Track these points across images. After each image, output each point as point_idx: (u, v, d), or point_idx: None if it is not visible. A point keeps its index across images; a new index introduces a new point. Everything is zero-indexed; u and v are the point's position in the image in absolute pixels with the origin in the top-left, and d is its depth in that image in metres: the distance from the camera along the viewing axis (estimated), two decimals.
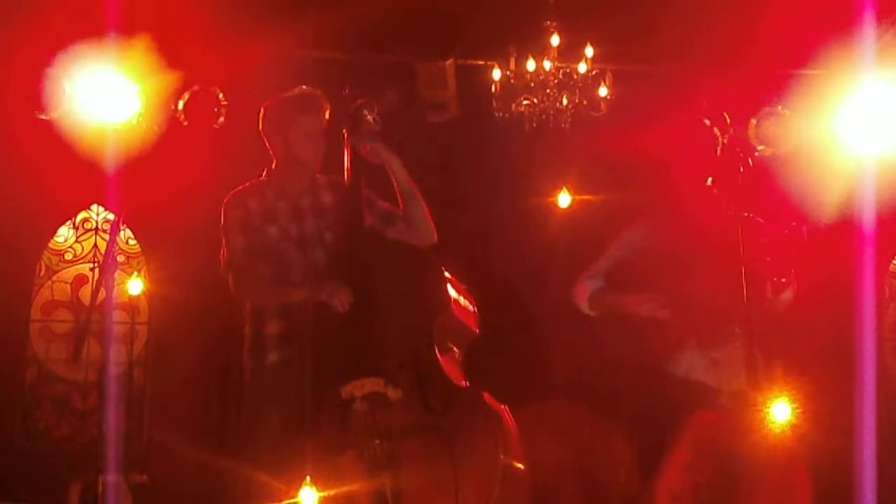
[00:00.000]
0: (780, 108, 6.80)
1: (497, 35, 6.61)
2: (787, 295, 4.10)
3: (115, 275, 7.37)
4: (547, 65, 6.55)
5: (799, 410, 4.04)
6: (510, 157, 7.36)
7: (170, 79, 6.46)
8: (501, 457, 3.61)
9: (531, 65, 6.54)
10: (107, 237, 7.72)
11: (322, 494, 3.53)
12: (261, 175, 4.28)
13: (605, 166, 7.08)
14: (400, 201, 4.15)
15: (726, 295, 3.92)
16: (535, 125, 6.71)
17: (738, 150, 4.12)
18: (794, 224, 3.97)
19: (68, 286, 7.91)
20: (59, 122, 6.49)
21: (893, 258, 8.06)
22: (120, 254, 7.75)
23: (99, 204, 7.88)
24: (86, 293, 7.81)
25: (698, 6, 5.99)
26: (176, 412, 7.32)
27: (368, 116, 4.05)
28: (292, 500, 3.54)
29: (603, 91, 6.60)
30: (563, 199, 7.63)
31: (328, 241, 4.13)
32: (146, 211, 6.83)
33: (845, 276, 5.73)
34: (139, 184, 5.83)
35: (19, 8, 5.96)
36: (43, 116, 6.51)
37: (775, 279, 3.97)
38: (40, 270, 7.88)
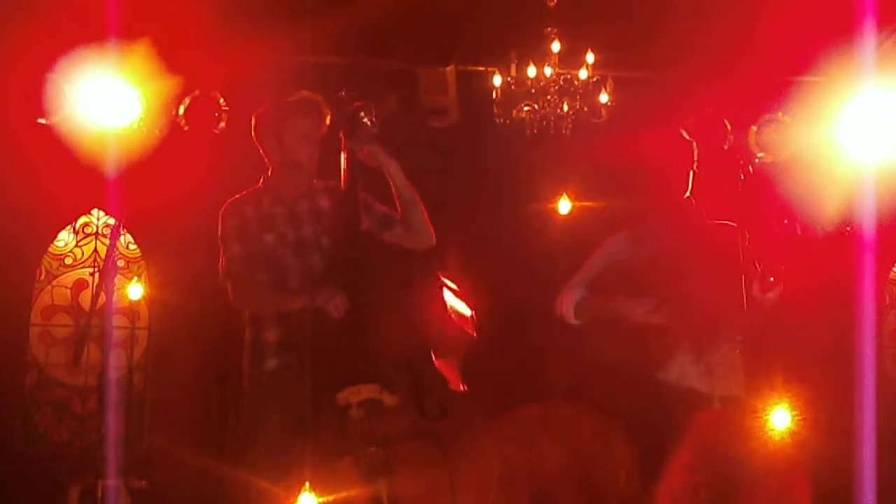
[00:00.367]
0: (780, 114, 6.81)
1: (498, 41, 6.62)
2: (774, 293, 4.09)
3: (116, 279, 7.43)
4: (548, 71, 6.56)
5: (799, 416, 4.04)
6: (511, 163, 7.36)
7: (170, 84, 6.47)
8: (497, 462, 3.62)
9: (532, 71, 6.55)
10: (107, 242, 7.73)
11: (321, 500, 3.53)
12: (258, 182, 4.28)
13: (606, 173, 7.09)
14: (398, 205, 4.14)
15: (717, 300, 3.92)
16: (535, 131, 6.72)
17: (738, 156, 4.12)
18: (786, 222, 3.97)
19: (68, 291, 7.90)
20: (59, 126, 6.49)
21: (894, 265, 8.06)
22: (120, 258, 7.75)
23: (99, 208, 7.88)
24: (86, 298, 7.80)
25: (699, 13, 5.99)
26: (175, 417, 7.31)
27: (365, 119, 4.04)
28: None
29: (604, 97, 6.60)
30: (564, 206, 7.63)
31: (325, 245, 4.12)
32: (146, 215, 6.84)
33: (845, 283, 5.73)
34: (139, 188, 5.84)
35: (20, 13, 5.97)
36: (43, 121, 6.52)
37: (764, 277, 3.96)
38: (40, 275, 7.87)
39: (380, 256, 4.00)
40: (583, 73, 6.56)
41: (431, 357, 3.85)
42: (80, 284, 7.90)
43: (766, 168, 6.65)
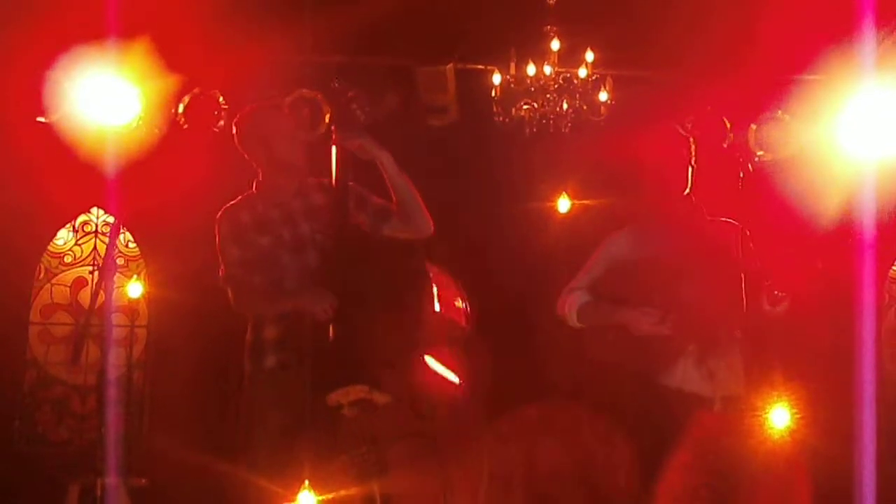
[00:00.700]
0: (779, 113, 6.80)
1: (497, 39, 6.61)
2: (782, 307, 4.08)
3: (115, 278, 7.43)
4: (547, 69, 6.55)
5: (799, 415, 4.04)
6: (510, 161, 7.36)
7: (170, 82, 6.46)
8: (488, 459, 3.61)
9: (531, 69, 6.54)
10: (106, 240, 7.74)
11: (320, 498, 3.53)
12: (256, 181, 4.28)
13: (605, 171, 7.07)
14: (393, 196, 4.13)
15: (721, 303, 3.91)
16: (535, 130, 6.71)
17: (737, 155, 4.12)
18: (803, 238, 3.96)
19: (68, 289, 7.90)
20: (59, 124, 6.48)
21: (893, 263, 8.06)
22: (119, 257, 7.76)
23: (99, 207, 7.88)
24: (85, 296, 7.80)
25: (698, 12, 5.99)
26: (175, 415, 7.31)
27: (357, 110, 4.02)
28: None
29: (603, 96, 6.60)
30: (563, 204, 7.63)
31: (321, 242, 4.12)
32: (146, 214, 6.85)
33: (845, 282, 5.73)
34: (139, 187, 5.83)
35: (19, 11, 5.96)
36: (43, 119, 6.51)
37: (773, 292, 3.96)
38: (40, 273, 7.87)
39: (370, 252, 3.98)
40: (582, 72, 6.56)
41: (421, 352, 3.83)
42: (80, 283, 7.90)
43: (766, 166, 6.65)
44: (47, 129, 6.50)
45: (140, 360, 7.74)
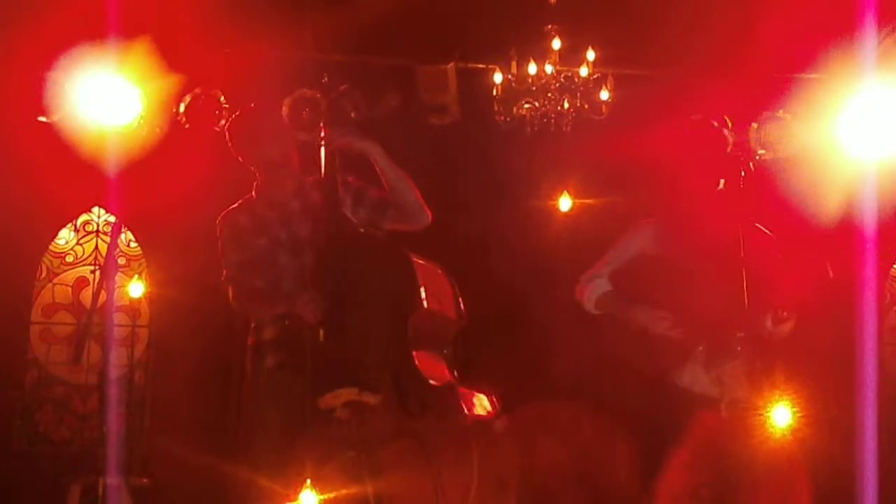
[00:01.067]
0: (781, 112, 6.81)
1: (498, 38, 6.61)
2: (786, 327, 4.08)
3: (116, 277, 7.43)
4: (548, 68, 6.55)
5: (800, 414, 4.03)
6: (511, 160, 7.36)
7: (171, 82, 6.47)
8: (480, 457, 3.61)
9: (532, 68, 6.54)
10: (108, 240, 7.74)
11: (322, 497, 3.53)
12: (256, 181, 4.28)
13: (607, 170, 7.08)
14: (386, 188, 4.12)
15: (736, 307, 3.90)
16: (536, 129, 6.72)
17: (739, 154, 4.11)
18: (804, 239, 3.95)
19: (69, 289, 7.91)
20: (60, 124, 6.49)
21: (894, 262, 8.06)
22: (121, 256, 7.76)
23: (100, 206, 7.89)
24: (87, 296, 7.81)
25: (699, 10, 5.99)
26: (176, 415, 7.32)
27: (347, 105, 4.01)
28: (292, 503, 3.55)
29: (604, 95, 6.60)
30: (564, 203, 7.63)
31: (317, 242, 4.12)
32: (147, 213, 6.85)
33: (846, 280, 5.72)
34: (140, 186, 5.84)
35: (20, 11, 5.96)
36: (44, 119, 6.52)
37: (778, 311, 3.96)
38: (41, 273, 7.87)
39: (357, 251, 3.97)
40: (583, 71, 6.56)
41: (410, 350, 3.83)
42: (81, 282, 7.90)
43: (767, 165, 6.65)
44: (49, 128, 6.51)
45: (141, 359, 7.74)
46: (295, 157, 4.21)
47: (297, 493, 3.53)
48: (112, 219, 7.74)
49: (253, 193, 4.26)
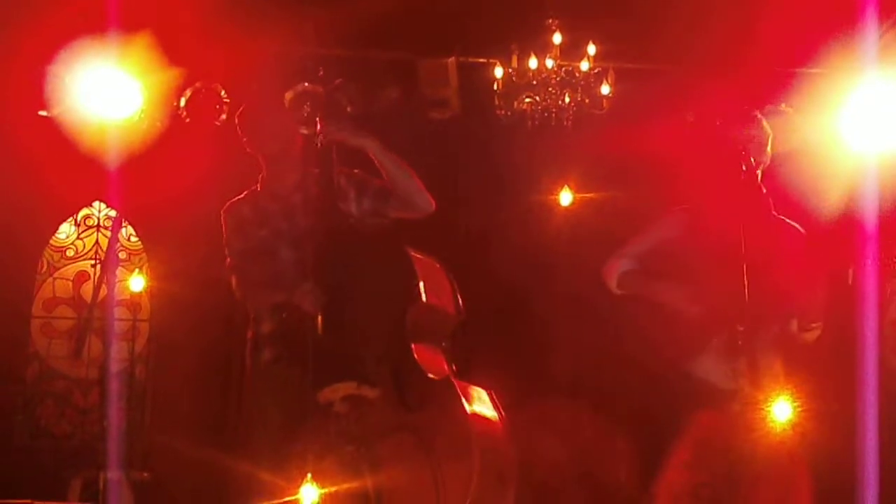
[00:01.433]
0: (782, 106, 6.80)
1: (499, 33, 6.61)
2: (811, 336, 4.07)
3: (117, 271, 7.43)
4: (549, 63, 6.55)
5: (800, 409, 4.03)
6: (512, 155, 7.35)
7: (172, 75, 6.46)
8: (478, 450, 3.60)
9: (533, 62, 6.54)
10: (108, 234, 7.74)
11: (323, 491, 3.53)
12: (258, 174, 4.29)
13: (607, 164, 7.08)
14: (386, 179, 4.14)
15: (760, 300, 3.88)
16: (536, 123, 6.72)
17: (739, 148, 4.10)
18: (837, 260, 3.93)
19: (70, 283, 7.91)
20: (60, 118, 6.49)
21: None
22: (121, 250, 7.76)
23: (101, 201, 7.88)
24: (87, 290, 7.81)
25: (701, 4, 5.98)
26: (177, 409, 7.32)
27: (343, 99, 4.02)
28: (293, 497, 3.55)
29: (605, 89, 6.60)
30: (565, 197, 7.62)
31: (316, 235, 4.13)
32: (148, 208, 6.84)
33: (847, 275, 5.72)
34: (141, 181, 5.83)
35: (21, 5, 5.96)
36: (44, 113, 6.51)
37: (806, 319, 3.95)
38: (42, 267, 7.88)
39: (355, 244, 3.98)
40: (584, 65, 6.56)
41: (408, 344, 3.83)
42: (82, 276, 7.90)
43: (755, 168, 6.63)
44: (49, 122, 6.51)
45: (142, 354, 7.74)
46: (300, 150, 4.22)
47: (297, 487, 3.53)
48: (113, 213, 7.74)
49: (258, 186, 4.27)
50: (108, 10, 5.60)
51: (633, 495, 5.86)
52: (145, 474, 6.71)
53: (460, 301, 4.13)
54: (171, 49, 6.19)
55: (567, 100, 6.60)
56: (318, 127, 4.02)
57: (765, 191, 4.25)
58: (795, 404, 4.00)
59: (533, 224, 7.56)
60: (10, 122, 6.60)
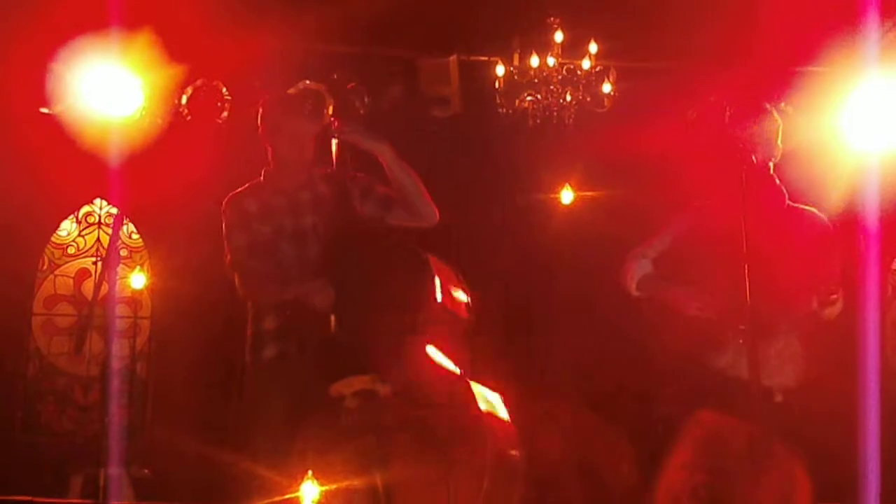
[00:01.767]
0: (784, 104, 6.79)
1: (501, 31, 6.61)
2: (833, 310, 4.05)
3: (118, 269, 7.44)
4: (551, 61, 6.55)
5: (801, 409, 4.03)
6: (513, 153, 7.36)
7: (173, 73, 6.46)
8: (491, 447, 3.61)
9: (535, 61, 6.55)
10: (110, 231, 7.74)
11: (323, 489, 3.53)
12: (260, 172, 4.28)
13: (609, 163, 7.08)
14: (394, 187, 4.13)
15: (779, 291, 3.87)
16: (538, 121, 6.72)
17: (741, 147, 4.09)
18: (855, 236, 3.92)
19: (71, 280, 7.92)
20: (62, 116, 6.49)
21: None
22: (123, 248, 7.76)
23: (102, 198, 7.89)
24: (88, 287, 7.82)
25: (702, 3, 5.98)
26: (178, 406, 7.33)
27: (357, 102, 4.02)
28: (293, 494, 3.55)
29: (606, 87, 6.60)
30: (566, 196, 7.63)
31: (322, 234, 4.13)
32: (149, 205, 6.85)
33: (848, 274, 5.71)
34: (142, 178, 5.82)
35: (22, 2, 5.96)
36: (46, 111, 6.51)
37: (825, 293, 3.93)
38: (43, 264, 7.89)
39: (372, 242, 3.99)
40: (586, 63, 6.56)
41: (422, 343, 3.83)
42: (83, 274, 7.91)
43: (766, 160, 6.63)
44: (51, 120, 6.51)
45: (143, 351, 7.75)
46: (311, 150, 4.21)
47: (298, 484, 3.54)
48: (114, 210, 7.75)
49: (261, 178, 4.26)
50: (110, 7, 5.60)
51: (633, 494, 5.86)
52: (146, 471, 6.72)
53: (470, 305, 4.14)
54: (173, 46, 6.20)
55: (568, 98, 6.61)
56: (334, 127, 4.02)
57: (778, 181, 4.25)
58: (797, 404, 4.00)
59: (534, 222, 7.56)
60: (11, 119, 6.61)
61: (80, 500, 6.34)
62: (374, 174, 4.19)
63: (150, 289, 7.63)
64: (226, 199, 4.20)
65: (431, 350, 3.87)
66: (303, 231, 4.14)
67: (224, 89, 6.70)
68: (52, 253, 7.90)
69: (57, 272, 7.90)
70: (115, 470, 5.70)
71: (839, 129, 6.62)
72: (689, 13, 6.06)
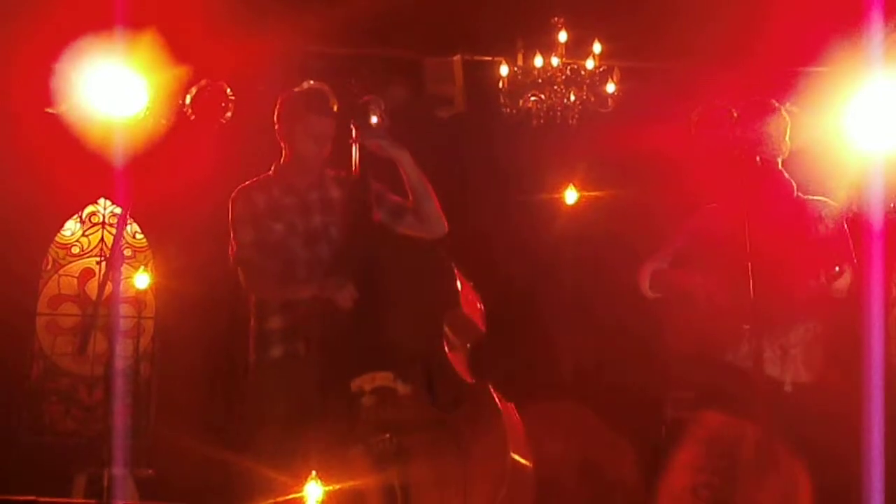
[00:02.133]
0: (788, 105, 6.79)
1: (505, 31, 6.61)
2: (842, 283, 4.04)
3: (122, 269, 7.45)
4: (555, 61, 6.56)
5: (804, 410, 4.03)
6: (517, 153, 7.36)
7: (177, 73, 6.46)
8: (510, 454, 3.61)
9: (539, 61, 6.55)
10: (114, 231, 7.76)
11: (327, 489, 3.53)
12: (268, 170, 4.28)
13: (612, 163, 7.08)
14: (410, 195, 4.15)
15: (792, 284, 3.87)
16: (542, 121, 6.72)
17: (745, 147, 4.09)
18: (854, 209, 3.92)
19: (75, 280, 7.92)
20: (66, 116, 6.49)
21: None
22: (127, 248, 7.77)
23: (106, 198, 7.90)
24: (92, 287, 7.83)
25: (706, 3, 5.97)
26: (182, 406, 7.33)
27: (375, 112, 4.04)
28: (297, 495, 3.54)
29: (610, 87, 6.60)
30: (570, 196, 7.62)
31: (334, 235, 4.13)
32: (153, 205, 6.85)
33: (853, 275, 5.70)
34: (146, 178, 5.82)
35: (26, 2, 5.96)
36: (50, 110, 6.52)
37: (829, 267, 3.92)
38: (47, 264, 7.89)
39: (393, 246, 4.00)
40: (589, 63, 6.56)
41: (444, 347, 3.85)
42: (87, 274, 7.92)
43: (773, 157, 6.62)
44: (55, 119, 6.51)
45: (147, 351, 7.76)
46: (325, 155, 4.21)
47: (302, 484, 3.53)
48: (118, 210, 7.75)
49: (271, 172, 4.26)
50: (115, 7, 5.60)
51: (635, 494, 5.86)
52: (150, 471, 6.73)
53: (484, 315, 4.15)
54: (177, 46, 6.19)
55: (572, 98, 6.61)
56: (354, 133, 4.03)
57: (786, 175, 4.25)
58: (799, 405, 4.00)
59: (538, 222, 7.56)
60: (16, 118, 6.61)
61: (84, 500, 6.35)
62: (387, 182, 4.21)
63: (154, 289, 7.63)
64: (234, 192, 4.20)
65: (452, 355, 3.88)
66: (314, 230, 4.14)
67: (228, 90, 6.69)
68: (56, 253, 7.91)
69: (61, 272, 7.91)
70: (118, 470, 5.72)
71: (843, 130, 6.61)
72: (693, 13, 6.06)
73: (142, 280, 7.37)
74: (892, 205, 6.21)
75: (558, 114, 6.65)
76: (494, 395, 3.78)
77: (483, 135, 7.36)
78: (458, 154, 7.42)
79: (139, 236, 7.90)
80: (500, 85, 6.68)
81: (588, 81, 6.59)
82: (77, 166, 6.68)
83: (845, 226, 4.23)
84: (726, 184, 4.19)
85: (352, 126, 4.05)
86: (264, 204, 4.16)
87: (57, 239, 7.90)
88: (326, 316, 3.84)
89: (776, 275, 3.87)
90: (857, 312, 4.24)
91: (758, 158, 4.00)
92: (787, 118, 4.26)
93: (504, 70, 6.64)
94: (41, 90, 6.43)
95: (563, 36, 6.51)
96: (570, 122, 6.67)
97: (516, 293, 7.19)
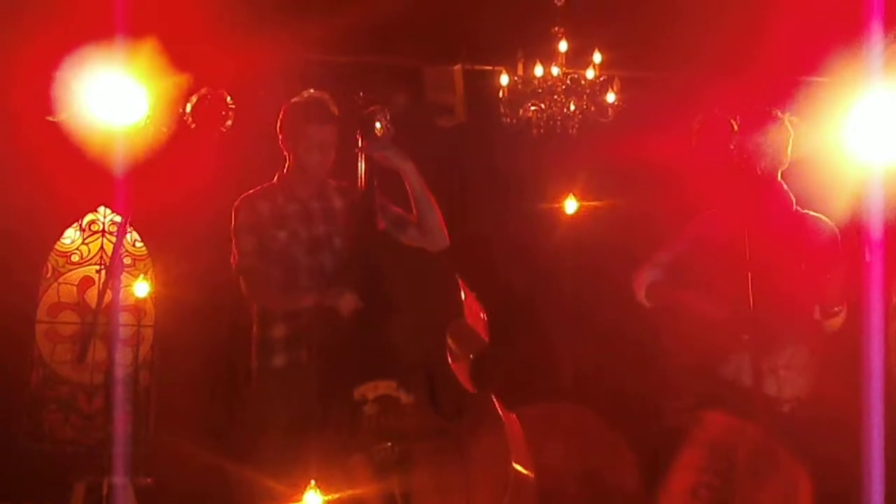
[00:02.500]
0: (788, 114, 6.79)
1: (505, 40, 6.62)
2: (836, 322, 4.05)
3: (122, 277, 7.44)
4: (555, 70, 6.56)
5: (808, 421, 4.02)
6: (517, 162, 7.36)
7: (178, 82, 6.47)
8: (512, 464, 3.61)
9: (539, 70, 6.55)
10: (114, 239, 7.75)
11: (327, 498, 3.52)
12: (272, 179, 4.29)
13: (613, 172, 7.08)
14: (413, 207, 4.15)
15: (780, 299, 3.87)
16: (542, 131, 6.72)
17: (745, 157, 4.10)
18: (860, 249, 3.92)
19: (75, 288, 7.92)
20: (66, 124, 6.49)
21: None
22: (126, 256, 7.77)
23: (106, 206, 7.89)
24: (92, 295, 7.81)
25: (706, 13, 5.98)
26: (181, 414, 7.32)
27: (380, 123, 4.05)
28: (297, 503, 3.54)
29: (611, 97, 6.60)
30: (570, 205, 7.62)
31: (337, 245, 4.14)
32: (153, 213, 6.85)
33: (853, 285, 5.70)
34: (146, 186, 5.83)
35: (27, 11, 5.97)
36: (51, 119, 6.52)
37: (828, 305, 3.93)
38: (47, 272, 7.89)
39: (397, 256, 4.00)
40: (590, 73, 6.57)
41: (447, 357, 3.85)
42: (87, 282, 7.91)
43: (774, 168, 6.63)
44: (55, 128, 6.51)
45: (146, 359, 7.75)
46: (328, 165, 4.22)
47: (302, 493, 3.53)
48: (118, 218, 7.75)
49: (275, 181, 4.26)
50: (115, 16, 5.61)
51: (635, 497, 5.86)
52: (149, 480, 6.70)
53: (488, 327, 4.15)
54: (178, 55, 6.20)
55: (572, 107, 6.61)
56: (360, 143, 4.04)
57: (785, 187, 4.25)
58: (799, 411, 4.00)
59: (538, 232, 7.56)
60: (16, 127, 6.62)
61: None
62: (387, 194, 4.21)
63: (154, 297, 7.62)
64: (238, 201, 4.21)
65: (455, 365, 3.88)
66: (317, 239, 4.15)
67: (228, 98, 6.71)
68: (56, 261, 7.90)
69: (60, 280, 7.90)
70: (118, 478, 5.71)
71: (843, 140, 6.61)
72: (693, 23, 6.07)
73: (141, 288, 7.36)
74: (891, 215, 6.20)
75: (558, 123, 6.66)
76: (497, 405, 3.78)
77: (483, 144, 7.37)
78: (459, 163, 7.42)
79: (139, 245, 7.90)
80: (501, 94, 6.69)
81: (588, 91, 6.60)
82: (77, 174, 6.68)
83: (841, 249, 4.21)
84: (726, 194, 4.19)
85: (357, 136, 4.07)
86: (268, 212, 4.17)
87: (57, 247, 7.90)
88: (329, 324, 3.84)
89: (772, 287, 3.88)
90: (849, 343, 4.24)
91: (758, 169, 4.00)
92: (790, 128, 4.26)
93: (504, 79, 6.64)
94: (41, 98, 6.43)
95: (563, 45, 6.51)
96: (571, 131, 6.67)
97: (516, 301, 7.19)
